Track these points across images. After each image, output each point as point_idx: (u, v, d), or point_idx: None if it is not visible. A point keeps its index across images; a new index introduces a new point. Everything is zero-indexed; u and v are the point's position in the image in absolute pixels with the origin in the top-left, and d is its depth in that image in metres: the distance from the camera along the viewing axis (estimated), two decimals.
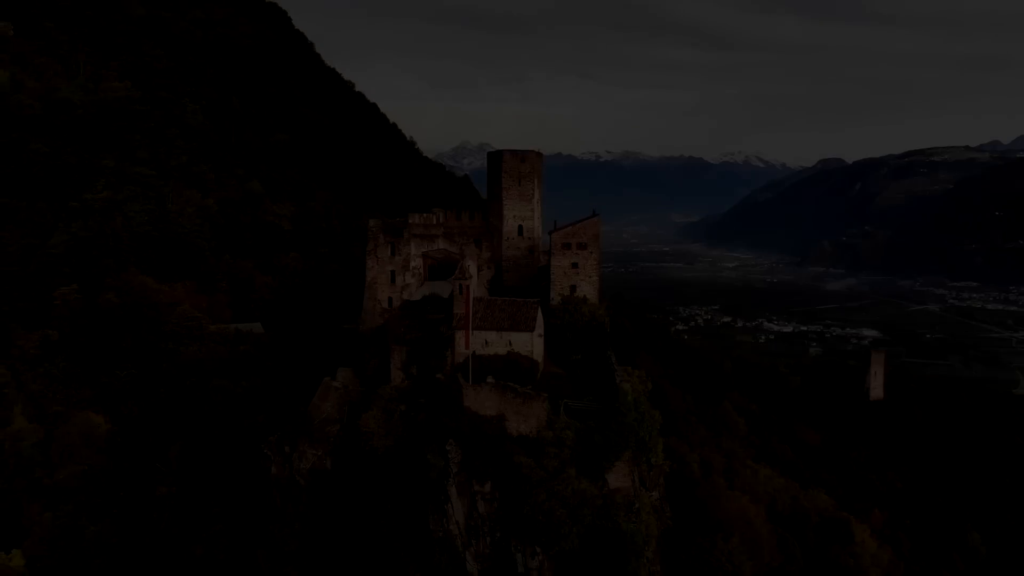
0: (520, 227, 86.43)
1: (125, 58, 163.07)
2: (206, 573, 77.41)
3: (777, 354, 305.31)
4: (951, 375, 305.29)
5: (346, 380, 79.18)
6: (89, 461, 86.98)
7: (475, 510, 65.85)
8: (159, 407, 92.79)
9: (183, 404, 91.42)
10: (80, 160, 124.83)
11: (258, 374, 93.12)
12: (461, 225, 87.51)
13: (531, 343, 73.61)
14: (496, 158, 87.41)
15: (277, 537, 75.02)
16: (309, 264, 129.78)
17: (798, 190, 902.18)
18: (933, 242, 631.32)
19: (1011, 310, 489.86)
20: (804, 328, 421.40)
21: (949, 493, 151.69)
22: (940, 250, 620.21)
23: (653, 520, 67.68)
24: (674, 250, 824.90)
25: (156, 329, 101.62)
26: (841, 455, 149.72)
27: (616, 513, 64.23)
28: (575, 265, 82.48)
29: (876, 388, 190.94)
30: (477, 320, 73.81)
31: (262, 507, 77.53)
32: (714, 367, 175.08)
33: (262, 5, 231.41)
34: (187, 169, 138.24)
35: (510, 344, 73.37)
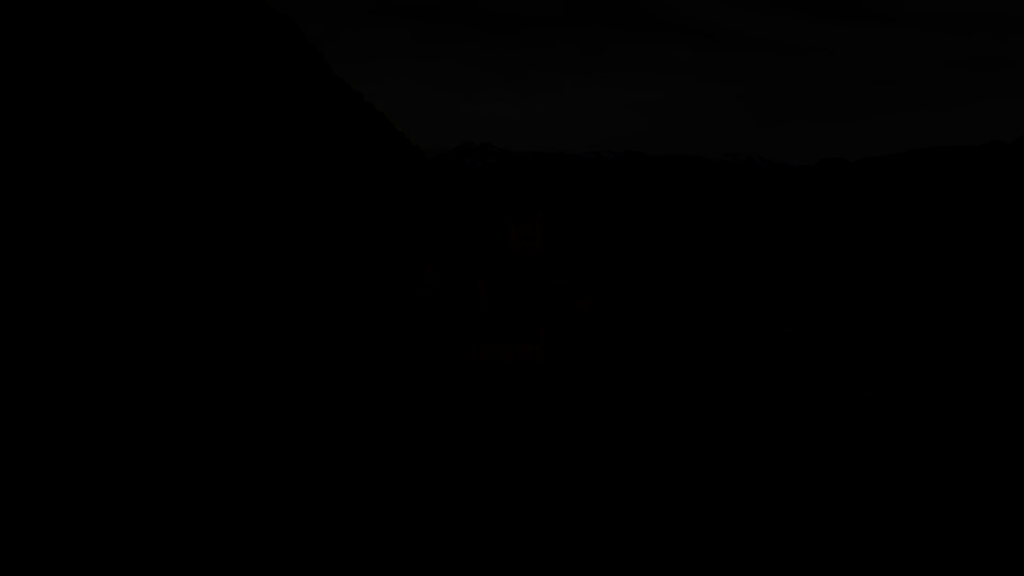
0: (524, 246, 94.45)
1: (139, 79, 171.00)
2: None
3: (776, 354, 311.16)
4: (950, 374, 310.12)
5: (367, 385, 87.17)
6: None
7: None
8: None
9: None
10: None
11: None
12: (471, 244, 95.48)
13: (534, 353, 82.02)
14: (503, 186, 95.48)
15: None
16: (324, 275, 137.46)
17: (799, 190, 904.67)
18: (934, 242, 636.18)
19: None
20: (804, 328, 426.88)
21: (943, 492, 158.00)
22: (941, 250, 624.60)
23: None
24: None
25: None
26: (828, 448, 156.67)
27: None
28: (573, 282, 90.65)
29: (869, 388, 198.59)
30: (487, 333, 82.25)
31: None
32: (706, 371, 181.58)
33: (273, 16, 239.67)
34: (208, 182, 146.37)
35: (516, 354, 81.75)
